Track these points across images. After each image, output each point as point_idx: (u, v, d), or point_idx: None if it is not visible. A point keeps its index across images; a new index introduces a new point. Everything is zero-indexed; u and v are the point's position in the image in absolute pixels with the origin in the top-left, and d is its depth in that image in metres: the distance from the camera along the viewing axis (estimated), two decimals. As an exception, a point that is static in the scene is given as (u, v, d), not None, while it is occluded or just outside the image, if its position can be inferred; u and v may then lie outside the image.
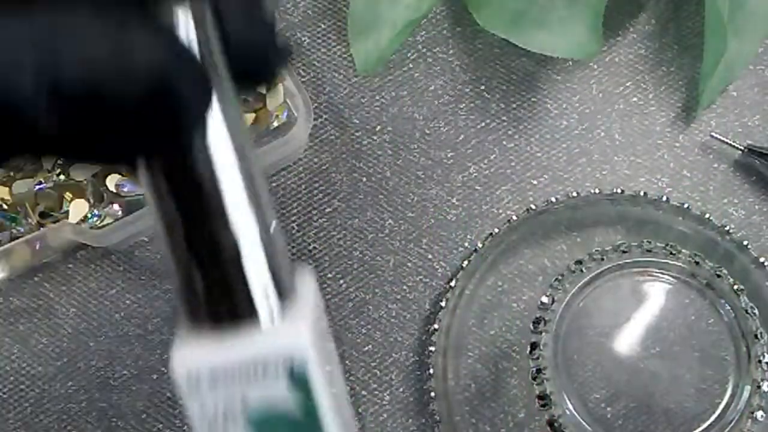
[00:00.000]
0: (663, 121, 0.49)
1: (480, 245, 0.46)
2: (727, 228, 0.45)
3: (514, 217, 0.46)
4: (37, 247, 0.45)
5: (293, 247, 0.47)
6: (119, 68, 0.19)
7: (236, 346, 0.23)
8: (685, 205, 0.45)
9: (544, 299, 0.40)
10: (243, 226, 0.23)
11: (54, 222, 0.46)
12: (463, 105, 0.49)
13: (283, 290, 0.24)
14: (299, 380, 0.23)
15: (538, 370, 0.39)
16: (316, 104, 0.49)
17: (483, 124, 0.48)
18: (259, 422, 0.23)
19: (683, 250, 0.41)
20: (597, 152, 0.48)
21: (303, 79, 0.49)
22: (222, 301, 0.23)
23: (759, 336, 0.39)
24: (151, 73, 0.19)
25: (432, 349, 0.45)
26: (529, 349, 0.40)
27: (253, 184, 0.23)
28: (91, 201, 0.46)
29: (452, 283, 0.45)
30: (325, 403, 0.23)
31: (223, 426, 0.23)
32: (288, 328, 0.23)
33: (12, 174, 0.47)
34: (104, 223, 0.46)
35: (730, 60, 0.47)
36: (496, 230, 0.46)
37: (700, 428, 0.40)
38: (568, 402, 0.40)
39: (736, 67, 0.48)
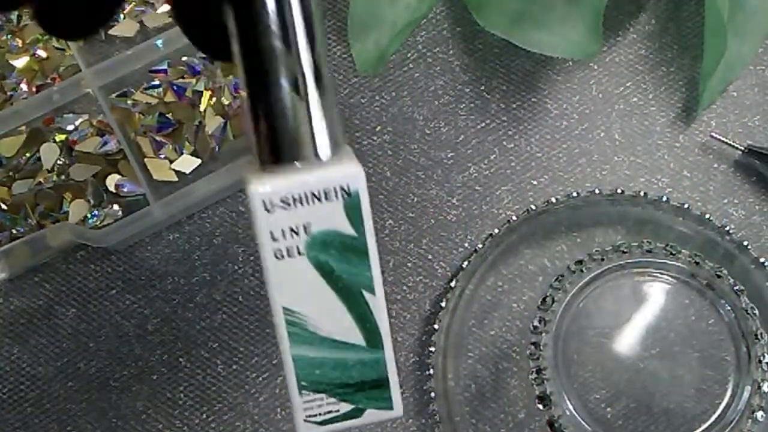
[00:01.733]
0: (663, 121, 0.49)
1: (480, 245, 0.46)
2: (727, 228, 0.45)
3: (514, 218, 0.46)
4: (37, 247, 0.45)
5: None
6: None
7: (303, 176, 0.29)
8: (685, 205, 0.45)
9: (544, 299, 0.40)
10: (313, 73, 0.29)
11: (54, 222, 0.46)
12: (463, 105, 0.49)
13: (338, 137, 0.29)
14: (352, 201, 0.29)
15: (538, 371, 0.39)
16: (316, 104, 0.49)
17: (483, 124, 0.48)
18: (316, 242, 0.29)
19: (683, 251, 0.41)
20: (597, 152, 0.48)
21: (303, 79, 0.49)
22: (296, 138, 0.29)
23: (759, 336, 0.39)
24: None
25: (432, 349, 0.45)
26: (529, 349, 0.40)
27: (318, 43, 0.29)
28: (91, 201, 0.46)
29: (452, 284, 0.45)
30: (370, 218, 0.30)
31: (286, 249, 0.29)
32: (344, 162, 0.29)
33: (12, 174, 0.47)
34: (104, 223, 0.46)
35: (730, 60, 0.47)
36: (496, 230, 0.46)
37: (700, 428, 0.40)
38: (568, 402, 0.40)
39: (736, 67, 0.48)
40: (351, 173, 0.29)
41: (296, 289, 0.30)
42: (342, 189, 0.29)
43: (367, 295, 0.31)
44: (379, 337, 0.31)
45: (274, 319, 0.30)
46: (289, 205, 0.29)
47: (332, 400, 0.31)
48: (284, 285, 0.30)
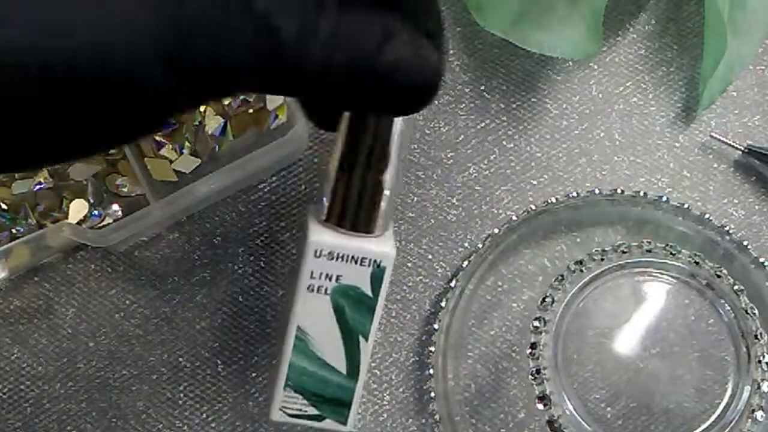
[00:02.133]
0: (663, 121, 0.49)
1: (480, 245, 0.46)
2: (727, 228, 0.45)
3: (514, 217, 0.46)
4: (37, 247, 0.45)
5: (293, 246, 0.47)
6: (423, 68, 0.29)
7: (352, 242, 0.38)
8: (685, 205, 0.45)
9: (544, 299, 0.40)
10: (392, 174, 0.38)
11: (54, 222, 0.46)
12: (463, 105, 0.49)
13: (389, 221, 0.38)
14: (378, 272, 0.38)
15: (538, 370, 0.39)
16: (316, 104, 0.49)
17: (483, 124, 0.48)
18: (340, 290, 0.38)
19: (683, 250, 0.41)
20: (597, 152, 0.48)
21: (303, 79, 0.49)
22: (358, 215, 0.38)
23: (759, 336, 0.39)
24: (437, 72, 0.30)
25: (432, 349, 0.45)
26: (529, 349, 0.40)
27: (404, 154, 0.38)
28: (91, 201, 0.46)
29: (452, 284, 0.45)
30: (385, 290, 0.39)
31: (318, 286, 0.38)
32: (386, 242, 0.38)
33: (12, 174, 0.46)
34: (104, 223, 0.46)
35: (730, 60, 0.47)
36: (496, 230, 0.46)
37: (700, 428, 0.40)
38: (568, 402, 0.40)
39: (736, 67, 0.48)
40: (385, 253, 0.38)
41: (312, 317, 0.39)
42: (374, 261, 0.38)
43: (361, 339, 0.40)
44: (357, 371, 0.40)
45: (288, 332, 0.38)
46: (333, 258, 0.38)
47: (305, 402, 0.40)
48: (305, 311, 0.39)
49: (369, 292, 0.39)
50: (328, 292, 0.39)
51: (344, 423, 0.40)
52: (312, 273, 0.38)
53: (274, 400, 0.40)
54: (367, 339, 0.40)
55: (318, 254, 0.38)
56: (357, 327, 0.39)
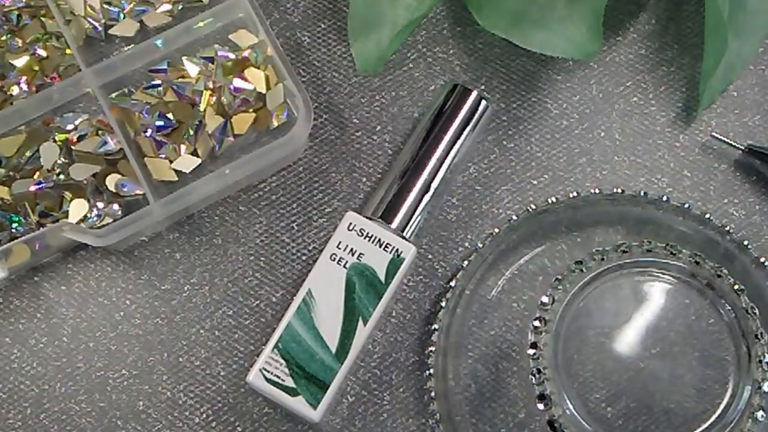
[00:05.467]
0: (663, 121, 0.49)
1: (480, 245, 0.46)
2: (727, 228, 0.45)
3: (514, 217, 0.46)
4: (37, 247, 0.45)
5: (293, 247, 0.47)
6: None
7: (385, 230, 0.43)
8: (686, 205, 0.45)
9: (544, 299, 0.40)
10: (433, 187, 0.44)
11: (54, 222, 0.46)
12: (463, 105, 0.49)
13: (418, 227, 0.45)
14: (396, 261, 0.43)
15: (538, 370, 0.39)
16: (316, 104, 0.49)
17: (483, 124, 0.48)
18: (358, 267, 0.42)
19: (683, 250, 0.40)
20: (597, 152, 0.48)
21: (303, 79, 0.49)
22: (396, 213, 0.44)
23: (759, 336, 0.39)
24: None
25: (432, 349, 0.45)
26: (529, 349, 0.40)
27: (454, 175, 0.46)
28: (91, 201, 0.46)
29: (452, 283, 0.45)
30: (397, 282, 0.43)
31: (339, 257, 0.42)
32: (410, 242, 0.44)
33: (12, 174, 0.46)
34: (104, 223, 0.46)
35: (731, 60, 0.47)
36: (496, 230, 0.46)
37: (700, 428, 0.39)
38: (568, 402, 0.40)
39: (736, 67, 0.48)
40: (408, 246, 0.43)
41: (325, 284, 0.42)
42: (396, 250, 0.43)
43: (360, 323, 0.42)
44: (346, 355, 0.41)
45: (298, 293, 0.42)
46: (361, 235, 0.43)
47: (286, 370, 0.41)
48: (320, 277, 0.42)
49: (382, 278, 0.42)
50: (347, 266, 0.42)
51: (315, 406, 0.41)
52: (339, 243, 0.42)
53: (258, 362, 0.41)
54: (365, 323, 0.42)
55: (350, 227, 0.43)
56: (361, 308, 0.42)
